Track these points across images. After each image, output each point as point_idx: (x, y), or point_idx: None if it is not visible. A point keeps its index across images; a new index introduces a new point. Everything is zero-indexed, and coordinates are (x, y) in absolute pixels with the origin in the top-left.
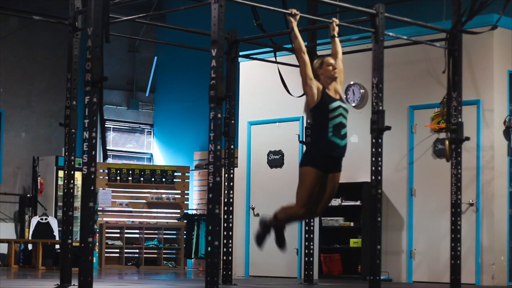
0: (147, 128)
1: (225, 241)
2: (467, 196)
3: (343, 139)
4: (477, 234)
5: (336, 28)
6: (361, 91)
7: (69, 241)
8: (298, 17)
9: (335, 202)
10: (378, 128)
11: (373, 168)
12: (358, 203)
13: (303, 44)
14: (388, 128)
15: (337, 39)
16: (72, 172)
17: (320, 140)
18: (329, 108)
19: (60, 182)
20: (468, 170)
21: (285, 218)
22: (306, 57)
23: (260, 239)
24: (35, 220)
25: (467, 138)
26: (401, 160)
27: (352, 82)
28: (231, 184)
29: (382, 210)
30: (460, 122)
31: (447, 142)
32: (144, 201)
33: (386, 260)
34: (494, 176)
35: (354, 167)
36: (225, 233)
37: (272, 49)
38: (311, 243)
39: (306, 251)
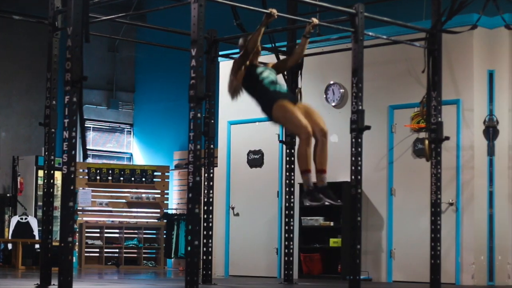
0: (127, 128)
1: (205, 240)
2: (447, 195)
3: (282, 89)
4: (457, 233)
5: (311, 30)
6: (341, 90)
7: (49, 240)
8: (272, 18)
9: None
10: (357, 128)
11: (353, 167)
12: (339, 202)
13: (257, 45)
14: (368, 127)
15: (307, 41)
16: (52, 172)
17: (266, 95)
18: (257, 72)
19: (40, 182)
20: (448, 169)
21: (307, 161)
22: (247, 58)
23: (314, 198)
24: (15, 219)
25: (447, 138)
26: (381, 159)
27: (332, 82)
28: (211, 183)
29: (362, 209)
30: (440, 122)
31: (426, 142)
32: (124, 200)
33: (366, 260)
34: (474, 176)
35: (334, 167)
36: (205, 232)
37: None
38: (291, 243)
39: (286, 250)
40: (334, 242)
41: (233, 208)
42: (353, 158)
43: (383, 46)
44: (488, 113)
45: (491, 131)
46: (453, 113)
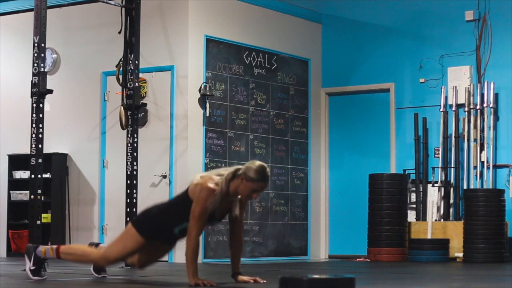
0: None
1: None
2: (160, 168)
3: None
4: None
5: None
6: (54, 56)
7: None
8: None
9: (25, 174)
10: (39, 92)
11: (34, 135)
12: (48, 175)
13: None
14: (50, 91)
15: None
16: None
17: (163, 226)
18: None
19: None
20: (161, 140)
21: (69, 258)
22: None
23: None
24: None
25: (144, 104)
26: (93, 129)
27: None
28: None
29: (69, 182)
30: (137, 87)
31: (121, 109)
32: None
33: (78, 236)
34: (188, 147)
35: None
36: None
37: None
38: None
39: None
40: (44, 217)
41: None
42: (34, 125)
43: (93, 7)
44: (204, 80)
45: (207, 99)
46: (167, 80)
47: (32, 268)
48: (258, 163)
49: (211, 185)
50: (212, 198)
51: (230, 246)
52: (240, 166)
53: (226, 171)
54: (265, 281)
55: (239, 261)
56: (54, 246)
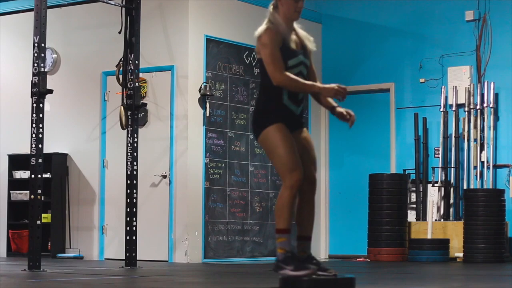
0: None
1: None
2: (160, 168)
3: (299, 105)
4: (170, 208)
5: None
6: (54, 56)
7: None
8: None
9: (25, 174)
10: (39, 92)
11: (34, 135)
12: (48, 175)
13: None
14: (50, 91)
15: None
16: None
17: (271, 105)
18: (288, 65)
19: None
20: (161, 140)
21: (290, 217)
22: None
23: (302, 268)
24: None
25: (144, 104)
26: (93, 129)
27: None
28: None
29: (69, 182)
30: (137, 87)
31: (121, 109)
32: None
33: (78, 236)
34: (188, 147)
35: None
36: None
37: None
38: None
39: None
40: (44, 217)
41: None
42: (34, 125)
43: (93, 7)
44: (204, 80)
45: (207, 99)
46: (167, 80)
47: (296, 270)
48: None
49: (264, 26)
50: (276, 27)
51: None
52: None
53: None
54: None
55: (328, 100)
56: (276, 235)
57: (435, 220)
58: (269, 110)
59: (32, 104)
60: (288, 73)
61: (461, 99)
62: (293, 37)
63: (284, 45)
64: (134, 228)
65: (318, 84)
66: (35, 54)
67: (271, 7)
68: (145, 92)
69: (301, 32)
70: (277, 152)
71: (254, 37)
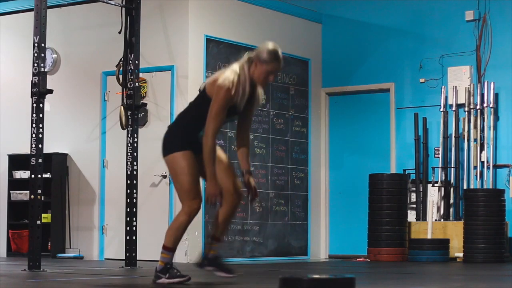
0: None
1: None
2: (160, 168)
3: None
4: (170, 208)
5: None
6: (54, 56)
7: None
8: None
9: (25, 174)
10: (39, 92)
11: (34, 135)
12: (48, 175)
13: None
14: (50, 91)
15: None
16: None
17: (187, 132)
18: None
19: None
20: (161, 140)
21: (176, 242)
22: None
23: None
24: None
25: (144, 104)
26: (93, 129)
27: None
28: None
29: (69, 182)
30: (137, 87)
31: (121, 109)
32: None
33: (78, 236)
34: None
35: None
36: None
37: None
38: None
39: None
40: (44, 217)
41: None
42: (34, 125)
43: (93, 7)
44: (204, 80)
45: None
46: (167, 80)
47: (169, 280)
48: (269, 44)
49: (228, 83)
50: (237, 89)
51: (238, 144)
52: (250, 53)
53: (238, 63)
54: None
55: (248, 158)
56: (162, 250)
57: (435, 220)
58: (183, 136)
59: (32, 104)
60: (215, 139)
61: (461, 99)
62: (247, 89)
63: (233, 105)
64: (134, 228)
65: (211, 174)
66: (35, 54)
67: (246, 57)
68: (145, 92)
69: (259, 90)
70: (181, 178)
71: (216, 80)
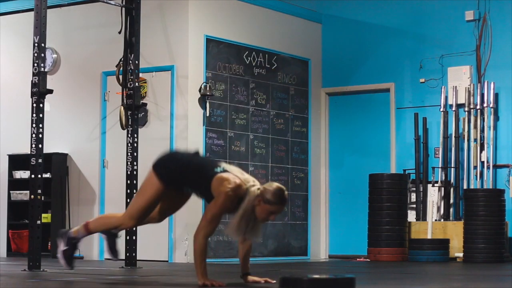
0: None
1: None
2: None
3: None
4: None
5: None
6: (54, 56)
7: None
8: None
9: (25, 174)
10: (39, 92)
11: (34, 135)
12: (48, 175)
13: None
14: (50, 91)
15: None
16: None
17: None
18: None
19: None
20: (161, 140)
21: (99, 228)
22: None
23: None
24: None
25: (144, 104)
26: (93, 129)
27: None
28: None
29: (69, 182)
30: (137, 87)
31: (121, 109)
32: None
33: None
34: (188, 147)
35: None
36: None
37: None
38: None
39: None
40: (44, 217)
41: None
42: (34, 125)
43: (93, 7)
44: (204, 80)
45: (207, 99)
46: (167, 80)
47: (65, 248)
48: (275, 185)
49: (230, 192)
50: (233, 202)
51: (240, 246)
52: (260, 186)
53: (251, 179)
54: (274, 281)
55: (248, 261)
56: (83, 223)
57: (435, 220)
58: (175, 175)
59: (32, 104)
60: (206, 241)
61: (461, 99)
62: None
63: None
64: (134, 228)
65: (202, 272)
66: (35, 54)
67: (257, 192)
68: (145, 92)
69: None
70: (142, 197)
71: (227, 180)
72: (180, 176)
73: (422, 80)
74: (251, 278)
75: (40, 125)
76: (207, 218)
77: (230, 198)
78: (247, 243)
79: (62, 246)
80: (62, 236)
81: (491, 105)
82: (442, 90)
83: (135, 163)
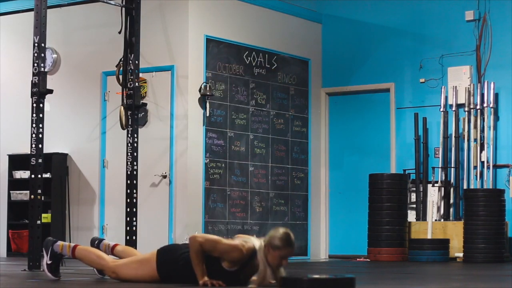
0: None
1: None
2: (160, 168)
3: None
4: (170, 208)
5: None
6: (54, 56)
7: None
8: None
9: (25, 174)
10: (39, 92)
11: (34, 135)
12: (48, 175)
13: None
14: (50, 91)
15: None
16: None
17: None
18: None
19: None
20: (161, 140)
21: (83, 259)
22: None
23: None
24: None
25: (144, 104)
26: (93, 129)
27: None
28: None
29: (69, 182)
30: (137, 87)
31: (121, 109)
32: None
33: (78, 236)
34: (188, 147)
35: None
36: None
37: None
38: None
39: None
40: (44, 217)
41: None
42: (34, 125)
43: (93, 7)
44: (204, 80)
45: (207, 99)
46: (167, 80)
47: (49, 262)
48: (281, 230)
49: (241, 247)
50: (239, 259)
51: None
52: (262, 239)
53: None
54: (274, 281)
55: None
56: (72, 244)
57: (435, 220)
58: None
59: (32, 104)
60: (200, 247)
61: (461, 99)
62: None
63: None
64: (134, 228)
65: (200, 271)
66: (35, 54)
67: (262, 243)
68: (145, 92)
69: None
70: (137, 270)
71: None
72: (183, 270)
73: (422, 80)
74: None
75: (40, 125)
76: (210, 237)
77: (239, 250)
78: None
79: (46, 259)
80: (47, 247)
81: (491, 105)
82: (442, 90)
83: (135, 163)
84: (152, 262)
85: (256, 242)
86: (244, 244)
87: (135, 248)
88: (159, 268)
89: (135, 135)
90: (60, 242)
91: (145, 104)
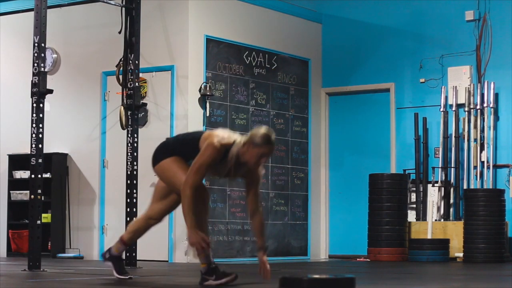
0: None
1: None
2: None
3: None
4: None
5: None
6: (54, 56)
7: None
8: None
9: (25, 174)
10: (39, 92)
11: (34, 135)
12: (48, 175)
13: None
14: (50, 91)
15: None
16: None
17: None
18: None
19: None
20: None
21: (136, 234)
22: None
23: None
24: None
25: (144, 104)
26: (93, 129)
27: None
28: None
29: (69, 182)
30: (137, 87)
31: (121, 109)
32: None
33: (78, 236)
34: None
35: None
36: None
37: None
38: None
39: None
40: (44, 217)
41: None
42: (34, 125)
43: (93, 7)
44: (204, 80)
45: (207, 99)
46: (167, 80)
47: (117, 269)
48: (263, 128)
49: (216, 143)
50: (220, 153)
51: (250, 220)
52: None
53: (239, 137)
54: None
55: (262, 234)
56: (117, 240)
57: (435, 220)
58: (173, 149)
59: (32, 104)
60: (194, 191)
61: (461, 99)
62: (228, 164)
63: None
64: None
65: (192, 224)
66: (35, 54)
67: (243, 140)
68: (145, 92)
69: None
70: (175, 175)
71: (212, 136)
72: (176, 152)
73: (422, 80)
74: (262, 257)
75: (40, 125)
76: (193, 169)
77: (216, 149)
78: (256, 217)
79: (114, 271)
80: (109, 260)
81: (491, 105)
82: (442, 90)
83: (135, 163)
84: (164, 163)
85: (237, 138)
86: (221, 140)
87: (135, 248)
88: (165, 156)
89: (135, 135)
90: (111, 247)
91: (145, 104)
